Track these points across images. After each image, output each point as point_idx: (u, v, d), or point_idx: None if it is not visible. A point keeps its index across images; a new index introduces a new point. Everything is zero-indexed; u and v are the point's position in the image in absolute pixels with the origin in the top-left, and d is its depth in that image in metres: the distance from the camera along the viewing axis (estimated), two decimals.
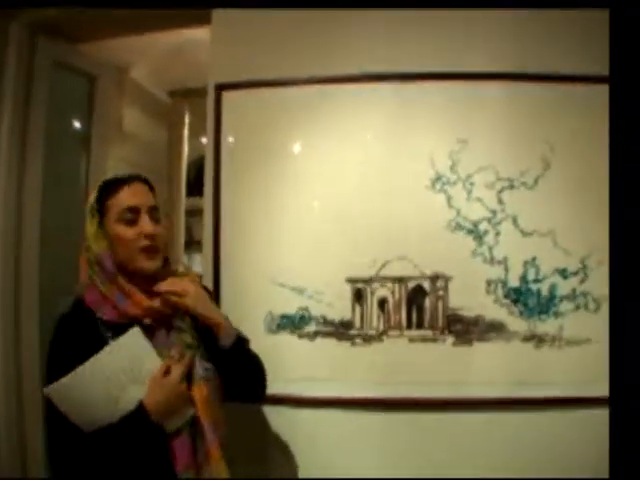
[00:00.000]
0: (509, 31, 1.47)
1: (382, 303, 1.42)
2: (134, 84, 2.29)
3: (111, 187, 1.02)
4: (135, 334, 0.95)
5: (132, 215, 1.00)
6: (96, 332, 0.96)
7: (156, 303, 1.00)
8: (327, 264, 1.41)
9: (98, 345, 0.94)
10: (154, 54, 2.15)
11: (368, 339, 1.42)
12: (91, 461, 0.92)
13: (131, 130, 2.23)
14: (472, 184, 1.42)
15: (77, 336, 0.96)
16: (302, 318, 1.43)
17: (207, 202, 1.50)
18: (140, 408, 0.92)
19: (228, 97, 1.50)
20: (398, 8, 1.44)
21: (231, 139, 1.49)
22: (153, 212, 1.04)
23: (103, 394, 0.91)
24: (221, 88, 1.51)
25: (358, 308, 1.42)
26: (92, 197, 1.03)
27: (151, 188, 1.08)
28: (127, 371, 0.93)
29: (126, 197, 1.01)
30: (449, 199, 1.42)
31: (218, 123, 1.50)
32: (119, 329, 0.96)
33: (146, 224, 1.00)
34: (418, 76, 1.44)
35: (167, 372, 0.95)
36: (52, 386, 0.90)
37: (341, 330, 1.42)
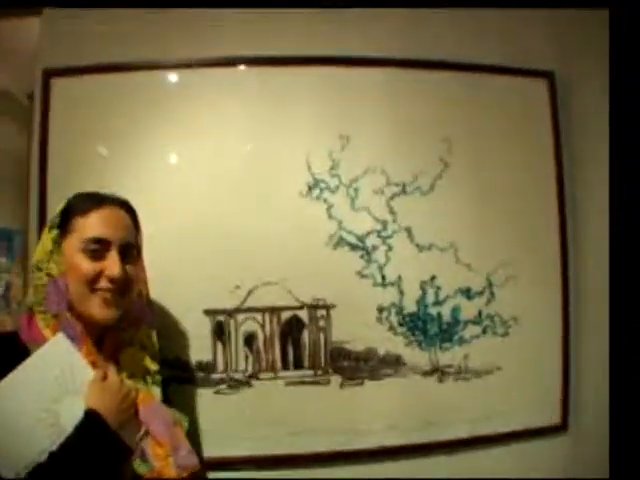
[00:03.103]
0: (397, 11, 1.26)
1: (250, 339, 1.16)
2: None
3: (82, 205, 0.87)
4: (60, 341, 0.82)
5: (99, 247, 0.84)
6: None
7: (102, 365, 0.86)
8: (179, 293, 1.13)
9: None
10: (12, 55, 1.83)
11: (234, 385, 1.15)
12: None
13: None
14: (357, 190, 1.20)
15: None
16: None
17: (32, 209, 1.19)
18: (91, 414, 0.78)
19: (58, 84, 1.20)
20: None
21: (62, 133, 1.19)
22: (127, 250, 0.87)
23: (37, 412, 0.77)
24: (50, 74, 1.20)
25: (220, 346, 1.16)
26: (58, 208, 0.88)
27: (134, 219, 0.92)
28: (60, 382, 0.80)
29: (97, 223, 0.85)
30: (329, 208, 1.19)
31: (45, 114, 1.19)
32: None
33: (113, 264, 0.84)
34: (289, 60, 1.20)
35: (105, 377, 0.83)
36: None
37: (200, 374, 1.15)
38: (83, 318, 0.85)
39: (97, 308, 0.84)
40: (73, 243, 0.84)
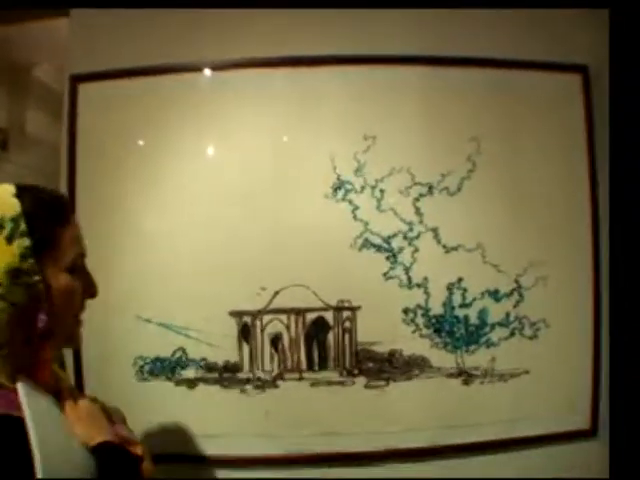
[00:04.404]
0: (424, 9, 1.23)
1: (275, 340, 1.16)
2: (37, 83, 1.96)
3: (59, 211, 0.67)
4: (26, 388, 0.64)
5: (82, 262, 0.70)
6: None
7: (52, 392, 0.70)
8: (205, 294, 1.14)
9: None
10: (57, 50, 1.84)
11: (260, 385, 1.16)
12: None
13: (34, 134, 1.91)
14: (382, 191, 1.19)
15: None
16: (178, 362, 1.15)
17: None
18: (100, 447, 0.66)
19: (86, 89, 1.22)
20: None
21: (89, 140, 1.21)
22: None
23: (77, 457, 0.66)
24: (77, 80, 1.22)
25: (246, 347, 1.16)
26: (11, 212, 0.62)
27: None
28: (60, 427, 0.68)
29: (78, 235, 0.69)
30: (355, 210, 1.18)
31: (73, 120, 1.21)
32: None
33: (92, 280, 0.71)
34: (314, 60, 1.18)
35: (76, 405, 0.70)
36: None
37: (226, 375, 1.16)
38: (57, 347, 0.72)
39: (78, 333, 0.71)
40: (56, 259, 0.65)
